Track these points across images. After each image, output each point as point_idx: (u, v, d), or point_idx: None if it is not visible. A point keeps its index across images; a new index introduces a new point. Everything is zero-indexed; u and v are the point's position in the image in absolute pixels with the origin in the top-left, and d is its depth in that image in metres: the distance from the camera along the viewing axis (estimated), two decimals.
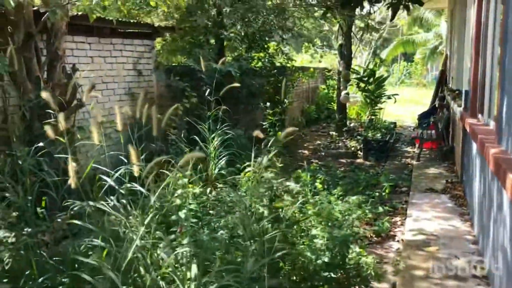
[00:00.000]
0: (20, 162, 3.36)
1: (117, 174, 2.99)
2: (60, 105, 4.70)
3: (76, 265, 2.94)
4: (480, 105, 5.05)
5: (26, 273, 2.81)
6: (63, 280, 2.77)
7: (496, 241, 3.31)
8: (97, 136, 2.72)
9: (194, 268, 2.36)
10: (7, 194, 2.97)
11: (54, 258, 3.00)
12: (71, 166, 2.49)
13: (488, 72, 4.66)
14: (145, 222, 2.82)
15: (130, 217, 3.03)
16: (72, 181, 2.49)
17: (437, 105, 9.94)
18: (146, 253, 2.66)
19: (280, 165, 4.27)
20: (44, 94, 2.77)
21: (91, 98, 5.17)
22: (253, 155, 4.59)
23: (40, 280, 2.75)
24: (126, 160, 3.04)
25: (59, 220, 3.31)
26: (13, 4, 4.09)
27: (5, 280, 2.84)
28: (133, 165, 2.61)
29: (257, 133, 3.49)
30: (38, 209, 3.03)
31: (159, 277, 2.59)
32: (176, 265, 2.71)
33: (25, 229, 2.89)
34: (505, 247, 2.90)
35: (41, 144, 3.47)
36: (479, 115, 5.08)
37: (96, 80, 6.12)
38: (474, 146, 4.59)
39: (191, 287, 2.37)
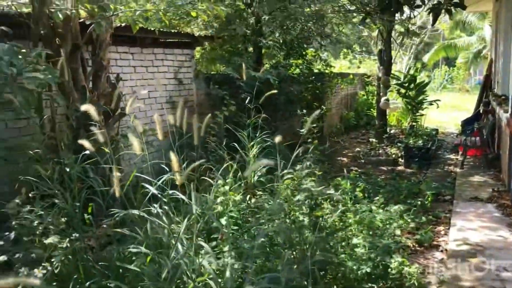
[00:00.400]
0: (68, 170, 3.49)
1: (159, 183, 3.05)
2: (105, 114, 4.86)
3: (121, 271, 3.02)
4: None
5: (74, 277, 2.90)
6: (108, 284, 2.85)
7: None
8: (139, 144, 2.79)
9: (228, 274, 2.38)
10: (56, 201, 3.09)
11: (100, 263, 3.10)
12: (115, 175, 2.57)
13: None
14: (186, 229, 2.87)
15: (173, 224, 3.10)
16: (116, 190, 2.57)
17: (481, 111, 9.64)
18: (188, 260, 2.71)
19: (319, 172, 4.24)
20: (85, 107, 2.87)
21: (134, 108, 5.31)
22: (290, 162, 4.60)
23: (87, 284, 2.84)
24: (167, 168, 3.10)
25: (104, 226, 3.41)
26: (62, 17, 4.27)
27: (54, 284, 2.95)
28: (175, 172, 2.66)
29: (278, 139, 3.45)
30: (85, 216, 3.14)
31: (200, 284, 2.63)
32: (217, 272, 2.74)
33: (73, 235, 2.99)
34: None
35: (87, 152, 3.59)
36: None
37: (138, 89, 6.28)
38: None
39: None
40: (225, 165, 4.10)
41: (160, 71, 6.77)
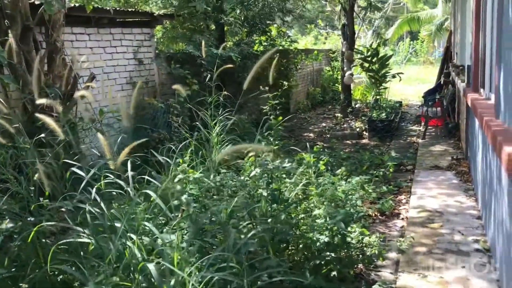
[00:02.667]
0: (23, 154, 3.41)
1: (94, 170, 2.95)
2: (61, 97, 4.75)
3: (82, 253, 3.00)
4: (482, 80, 5.01)
5: (32, 261, 2.86)
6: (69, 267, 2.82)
7: (496, 215, 3.31)
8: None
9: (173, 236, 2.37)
10: (9, 186, 3.02)
11: (61, 247, 3.05)
12: (40, 167, 2.48)
13: (488, 46, 4.61)
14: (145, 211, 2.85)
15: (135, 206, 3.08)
16: (44, 181, 2.49)
17: (442, 82, 9.86)
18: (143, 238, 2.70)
19: (275, 147, 4.27)
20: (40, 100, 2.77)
21: (92, 89, 5.20)
22: (256, 139, 4.61)
23: (46, 268, 2.80)
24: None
25: (63, 210, 3.36)
26: None
27: (13, 270, 2.90)
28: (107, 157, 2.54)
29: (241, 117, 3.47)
30: (42, 200, 3.08)
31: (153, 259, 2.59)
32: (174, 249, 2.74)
33: (29, 219, 2.94)
34: (504, 220, 2.90)
35: (42, 135, 3.51)
36: (481, 90, 5.04)
37: (96, 70, 6.14)
38: (476, 121, 4.56)
39: (187, 270, 2.41)
40: (182, 144, 4.08)
41: (119, 51, 6.63)
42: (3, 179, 3.11)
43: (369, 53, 10.84)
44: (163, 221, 3.29)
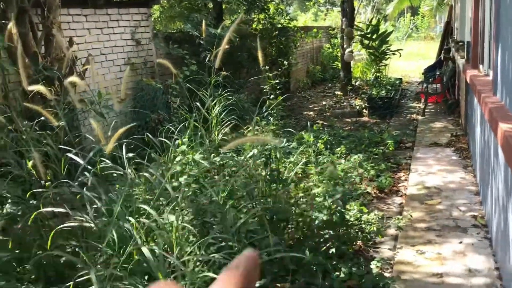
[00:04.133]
0: (24, 137, 3.43)
1: (90, 155, 2.98)
2: (59, 79, 4.74)
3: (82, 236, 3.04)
4: (481, 56, 4.99)
5: (36, 243, 2.91)
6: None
7: (493, 190, 3.35)
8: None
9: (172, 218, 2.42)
10: (10, 168, 3.05)
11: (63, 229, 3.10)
12: (36, 155, 2.49)
13: (487, 21, 4.57)
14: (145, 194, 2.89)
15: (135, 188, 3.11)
16: (40, 171, 2.51)
17: (442, 58, 9.80)
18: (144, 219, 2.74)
19: (274, 127, 4.29)
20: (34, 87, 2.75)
21: (90, 70, 5.19)
22: (254, 119, 4.62)
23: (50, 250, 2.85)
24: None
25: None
26: None
27: (17, 251, 2.96)
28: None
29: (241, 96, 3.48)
30: (43, 182, 3.11)
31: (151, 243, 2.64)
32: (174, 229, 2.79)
33: (31, 202, 2.98)
34: (501, 195, 2.94)
35: (42, 119, 3.53)
36: (480, 66, 5.02)
37: (94, 52, 6.11)
38: (475, 98, 4.56)
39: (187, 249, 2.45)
40: (181, 125, 4.10)
41: (116, 32, 6.58)
42: (5, 163, 3.14)
43: (369, 30, 10.74)
44: (163, 202, 3.33)
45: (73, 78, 2.59)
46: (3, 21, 4.37)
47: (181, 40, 7.56)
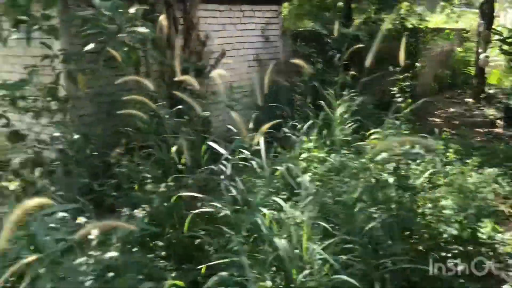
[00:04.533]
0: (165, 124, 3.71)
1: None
2: (196, 71, 5.05)
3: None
4: None
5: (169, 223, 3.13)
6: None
7: None
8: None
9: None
10: (153, 151, 3.32)
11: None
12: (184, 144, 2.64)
13: None
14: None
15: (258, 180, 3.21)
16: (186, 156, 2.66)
17: None
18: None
19: (405, 132, 4.12)
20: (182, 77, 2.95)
21: (223, 65, 5.44)
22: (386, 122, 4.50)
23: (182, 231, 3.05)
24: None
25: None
26: None
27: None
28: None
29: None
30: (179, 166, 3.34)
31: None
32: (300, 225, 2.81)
33: (167, 183, 3.22)
34: None
35: (180, 106, 3.80)
36: None
37: (227, 47, 6.40)
38: None
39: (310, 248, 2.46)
40: (308, 123, 4.13)
41: (248, 28, 6.82)
42: (148, 145, 3.43)
43: (509, 35, 9.83)
44: (285, 196, 3.39)
45: (220, 71, 2.74)
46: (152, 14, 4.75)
47: (308, 38, 7.61)
